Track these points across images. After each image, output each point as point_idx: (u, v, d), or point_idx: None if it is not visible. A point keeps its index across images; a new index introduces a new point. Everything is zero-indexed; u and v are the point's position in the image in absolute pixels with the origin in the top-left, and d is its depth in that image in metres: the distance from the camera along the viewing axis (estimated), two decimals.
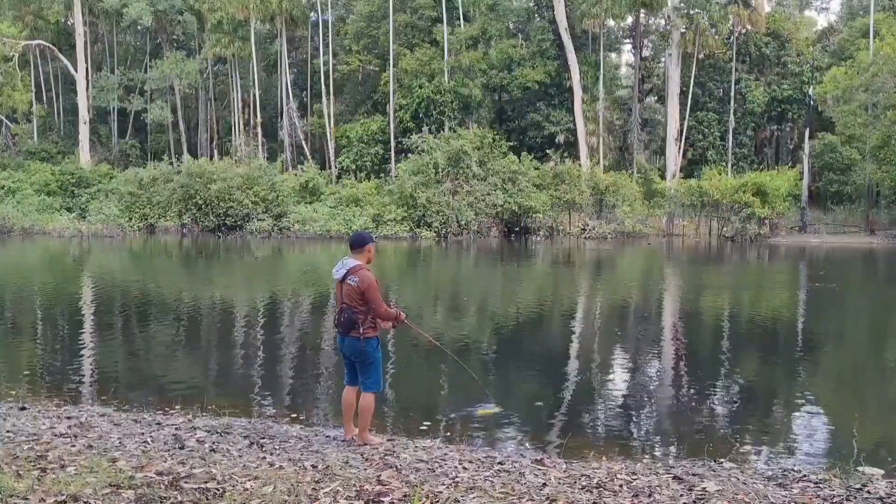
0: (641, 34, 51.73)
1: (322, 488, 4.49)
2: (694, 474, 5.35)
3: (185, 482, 4.46)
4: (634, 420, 7.68)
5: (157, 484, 4.38)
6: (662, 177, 46.73)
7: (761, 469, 5.86)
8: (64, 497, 4.06)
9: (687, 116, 46.82)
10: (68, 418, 6.67)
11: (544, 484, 4.88)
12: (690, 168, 47.17)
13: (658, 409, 8.17)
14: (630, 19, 51.04)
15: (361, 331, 5.84)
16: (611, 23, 50.71)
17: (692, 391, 9.20)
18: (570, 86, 46.30)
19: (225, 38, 48.50)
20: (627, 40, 56.39)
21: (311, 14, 51.59)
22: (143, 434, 6.08)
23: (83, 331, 13.11)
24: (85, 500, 4.05)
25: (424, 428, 7.07)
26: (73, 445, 5.51)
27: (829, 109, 42.94)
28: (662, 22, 51.97)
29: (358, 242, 6.09)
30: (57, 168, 43.19)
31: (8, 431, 5.90)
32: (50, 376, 9.46)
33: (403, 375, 9.77)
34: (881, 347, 12.98)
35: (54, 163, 45.06)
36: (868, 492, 4.97)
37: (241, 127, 50.45)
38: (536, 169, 39.20)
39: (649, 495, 4.68)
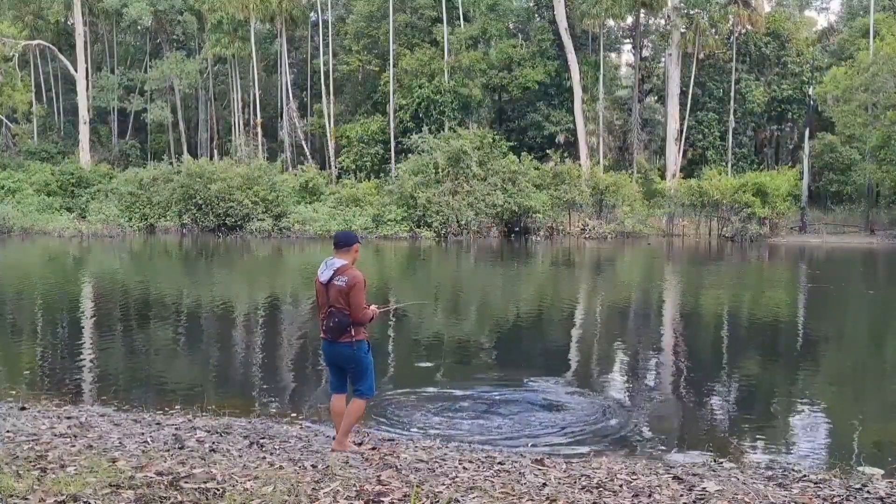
0: (641, 34, 51.71)
1: (322, 488, 4.49)
2: (694, 474, 5.34)
3: (185, 482, 4.46)
4: (634, 420, 7.67)
5: (157, 484, 4.38)
6: (662, 177, 46.71)
7: (761, 469, 5.85)
8: (64, 497, 4.06)
9: (687, 116, 46.79)
10: (68, 418, 6.67)
11: (544, 484, 4.88)
12: (690, 168, 47.14)
13: (658, 409, 8.17)
14: (630, 19, 51.02)
15: (354, 334, 5.60)
16: (611, 23, 50.70)
17: (692, 391, 9.20)
18: (570, 86, 46.28)
19: (225, 38, 48.46)
20: (627, 40, 56.40)
21: (311, 14, 51.56)
22: (143, 434, 6.08)
23: (83, 331, 13.12)
24: (85, 500, 4.04)
25: (421, 427, 7.06)
26: (73, 445, 5.51)
27: (829, 109, 42.90)
28: (662, 22, 51.91)
29: (344, 242, 5.77)
30: (57, 168, 43.19)
31: (8, 431, 5.90)
32: (50, 376, 9.47)
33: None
34: (881, 347, 12.98)
35: (54, 163, 45.04)
36: (868, 492, 4.97)
37: (241, 127, 50.43)
38: (536, 169, 39.20)
39: (649, 495, 4.68)
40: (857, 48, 43.61)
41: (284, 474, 4.79)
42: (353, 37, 50.30)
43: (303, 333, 13.09)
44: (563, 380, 9.45)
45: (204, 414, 7.24)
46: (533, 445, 6.55)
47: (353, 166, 46.11)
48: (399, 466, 5.21)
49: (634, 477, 5.17)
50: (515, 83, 47.10)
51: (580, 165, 42.15)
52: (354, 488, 4.52)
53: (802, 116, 50.01)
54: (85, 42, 48.47)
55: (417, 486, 4.56)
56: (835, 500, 4.77)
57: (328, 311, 5.60)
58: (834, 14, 61.71)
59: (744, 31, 48.19)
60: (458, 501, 4.37)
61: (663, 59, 52.42)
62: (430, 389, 8.66)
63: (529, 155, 40.57)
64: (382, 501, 4.31)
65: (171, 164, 41.38)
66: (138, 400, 7.94)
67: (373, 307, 5.79)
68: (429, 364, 10.44)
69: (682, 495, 4.71)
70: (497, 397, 8.27)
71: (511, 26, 52.47)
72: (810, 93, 47.78)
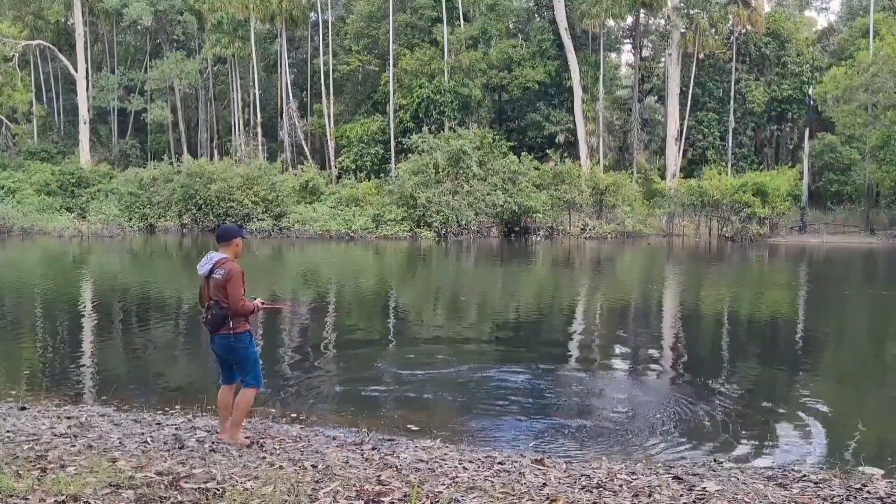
0: (641, 34, 51.74)
1: (322, 488, 4.49)
2: (694, 474, 5.34)
3: (185, 482, 4.46)
4: (635, 420, 7.67)
5: (157, 484, 4.38)
6: (662, 177, 46.74)
7: (761, 469, 5.85)
8: (64, 497, 4.06)
9: (687, 116, 46.82)
10: (68, 418, 6.66)
11: (544, 484, 4.88)
12: (690, 168, 47.18)
13: (658, 409, 8.17)
14: (630, 19, 51.06)
15: (231, 326, 5.61)
16: (611, 23, 50.73)
17: (692, 391, 9.18)
18: (570, 86, 46.32)
19: (225, 38, 48.50)
20: (627, 40, 56.42)
21: (311, 14, 51.57)
22: (143, 434, 6.08)
23: (83, 330, 13.11)
24: (85, 500, 4.05)
25: (416, 427, 7.06)
26: (73, 445, 5.51)
27: (829, 109, 42.95)
28: (662, 22, 51.97)
29: (225, 235, 5.87)
30: (57, 168, 43.21)
31: (8, 431, 5.90)
32: (50, 376, 9.46)
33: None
34: (881, 347, 12.98)
35: (54, 163, 45.08)
36: (868, 492, 4.96)
37: (241, 127, 50.45)
38: (536, 169, 39.24)
39: (649, 495, 4.68)
40: (857, 48, 43.63)
41: (284, 474, 4.79)
42: (353, 37, 50.33)
43: (302, 333, 13.09)
44: (561, 379, 9.45)
45: (204, 414, 7.23)
46: (533, 445, 6.55)
47: (353, 166, 46.12)
48: (399, 466, 5.21)
49: (634, 477, 5.17)
50: (515, 83, 47.13)
51: (580, 165, 42.19)
52: (354, 488, 4.52)
53: (802, 116, 50.04)
54: (85, 42, 48.49)
55: (417, 486, 4.56)
56: (835, 500, 4.76)
57: (208, 304, 5.71)
58: (834, 14, 61.80)
59: (744, 31, 48.23)
60: (458, 501, 4.37)
61: (663, 59, 52.45)
62: (428, 388, 8.65)
63: (529, 155, 40.60)
64: (382, 501, 4.31)
65: (171, 164, 41.43)
66: (138, 400, 7.93)
67: (257, 301, 5.89)
68: (427, 363, 10.44)
69: (682, 495, 4.71)
70: (496, 396, 8.27)
71: (511, 26, 52.50)
72: (810, 93, 47.79)
